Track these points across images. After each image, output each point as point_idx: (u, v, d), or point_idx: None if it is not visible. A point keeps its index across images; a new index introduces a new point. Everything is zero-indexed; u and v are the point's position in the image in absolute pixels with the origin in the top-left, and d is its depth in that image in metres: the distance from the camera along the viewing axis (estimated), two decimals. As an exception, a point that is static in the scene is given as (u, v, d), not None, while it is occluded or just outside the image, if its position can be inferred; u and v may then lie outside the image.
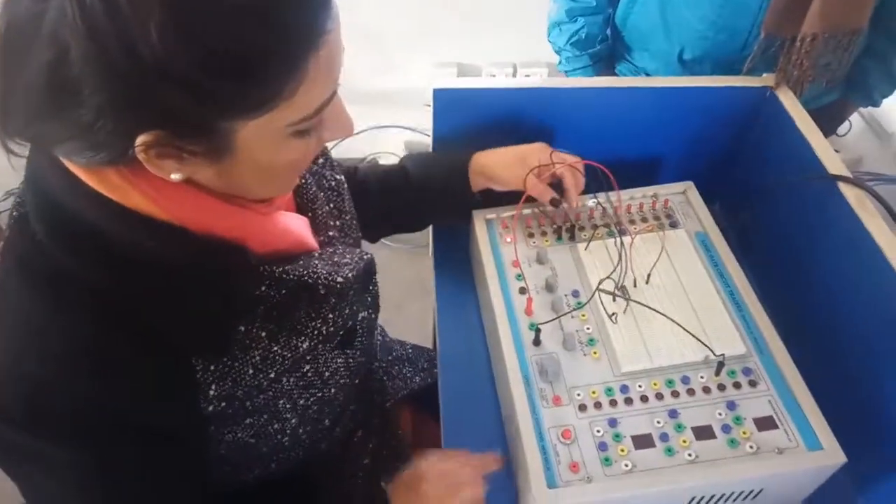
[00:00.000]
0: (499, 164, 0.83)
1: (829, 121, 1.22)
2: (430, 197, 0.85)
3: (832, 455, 0.63)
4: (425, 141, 1.95)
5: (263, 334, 0.55)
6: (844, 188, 0.74)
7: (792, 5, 0.92)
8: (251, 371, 0.54)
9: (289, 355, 0.57)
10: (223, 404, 0.54)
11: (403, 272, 1.58)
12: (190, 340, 0.51)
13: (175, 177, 0.46)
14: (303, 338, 0.57)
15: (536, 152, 0.82)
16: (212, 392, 0.53)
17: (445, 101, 0.89)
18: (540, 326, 0.73)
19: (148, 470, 0.52)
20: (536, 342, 0.73)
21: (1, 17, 0.41)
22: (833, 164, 0.77)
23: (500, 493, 0.71)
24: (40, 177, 0.50)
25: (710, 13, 1.02)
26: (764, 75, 0.91)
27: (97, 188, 0.48)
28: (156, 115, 0.42)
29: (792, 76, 0.94)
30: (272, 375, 0.56)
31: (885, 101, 1.18)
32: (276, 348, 0.56)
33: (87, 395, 0.48)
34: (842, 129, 1.30)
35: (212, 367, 0.52)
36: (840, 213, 0.73)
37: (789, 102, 0.87)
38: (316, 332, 0.58)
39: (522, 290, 0.79)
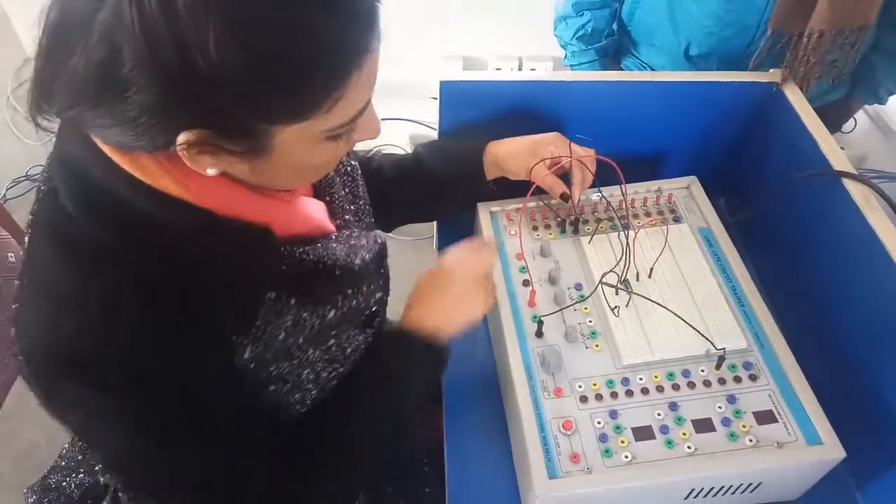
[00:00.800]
0: (511, 154, 0.83)
1: (834, 118, 1.22)
2: (444, 185, 0.85)
3: (831, 450, 0.64)
4: (430, 133, 1.95)
5: (293, 301, 0.56)
6: (849, 184, 0.74)
7: (799, 1, 0.92)
8: (282, 335, 0.56)
9: (317, 322, 0.59)
10: (253, 365, 0.56)
11: (408, 265, 1.58)
12: (222, 307, 0.53)
13: (210, 171, 0.48)
14: (328, 306, 0.59)
15: (550, 142, 0.82)
16: (246, 354, 0.55)
17: (451, 94, 0.90)
18: (543, 318, 0.73)
19: (191, 415, 0.53)
20: (539, 334, 0.74)
21: (53, 8, 0.43)
22: (838, 160, 0.77)
23: (501, 482, 0.72)
24: (71, 154, 0.51)
25: (717, 9, 1.02)
26: (770, 71, 0.91)
27: (129, 170, 0.49)
28: (201, 116, 0.43)
29: (798, 73, 0.94)
30: (300, 341, 0.58)
31: (892, 99, 1.18)
32: (304, 314, 0.57)
33: (125, 349, 0.50)
34: (847, 126, 1.30)
35: (245, 330, 0.54)
36: (844, 209, 0.73)
37: (795, 98, 0.87)
38: (340, 304, 0.60)
39: (526, 283, 0.79)
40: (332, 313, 0.59)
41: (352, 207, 0.70)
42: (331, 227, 0.64)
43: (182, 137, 0.44)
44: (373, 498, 0.79)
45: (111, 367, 0.50)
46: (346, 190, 0.71)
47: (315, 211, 0.62)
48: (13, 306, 0.55)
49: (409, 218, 0.93)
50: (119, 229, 0.50)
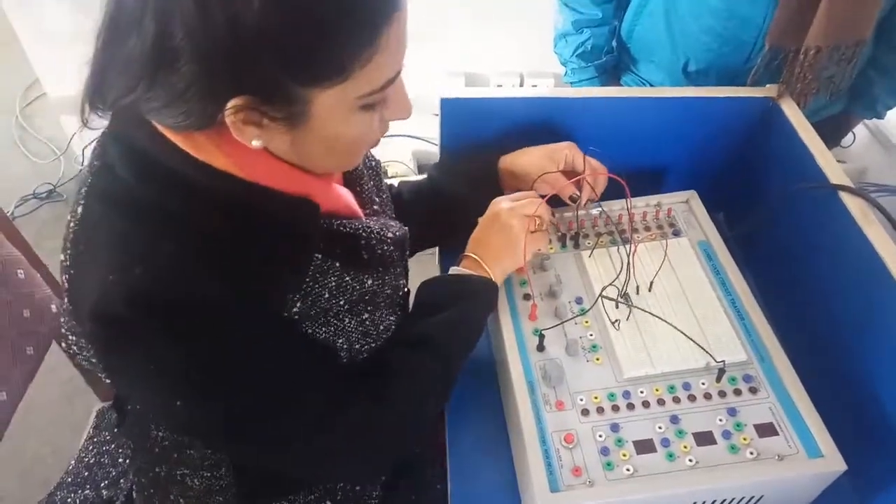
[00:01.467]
0: (527, 162, 0.86)
1: (833, 132, 1.23)
2: (461, 202, 0.86)
3: (832, 462, 0.64)
4: (433, 150, 1.97)
5: (338, 264, 0.60)
6: (846, 198, 0.75)
7: (795, 18, 0.94)
8: (326, 295, 0.60)
9: (357, 287, 0.62)
10: (297, 319, 0.58)
11: (411, 281, 1.59)
12: (276, 262, 0.57)
13: (255, 143, 0.52)
14: (366, 275, 0.63)
15: (563, 150, 0.85)
16: (295, 309, 0.58)
17: (452, 111, 0.91)
18: (544, 332, 0.74)
19: (251, 358, 0.56)
20: (540, 348, 0.74)
21: (110, 2, 0.47)
22: (835, 173, 0.78)
23: (504, 495, 0.72)
24: (126, 133, 0.55)
25: (715, 25, 1.03)
26: (767, 86, 0.92)
27: (184, 147, 0.53)
28: (247, 81, 0.47)
29: (795, 88, 0.95)
30: (341, 302, 0.61)
31: (891, 113, 1.19)
32: (347, 278, 0.61)
33: (194, 294, 0.53)
34: (845, 140, 1.31)
35: (296, 286, 0.58)
36: (842, 222, 0.74)
37: (792, 113, 0.88)
38: (376, 275, 0.64)
39: (527, 297, 0.80)
40: (369, 281, 0.63)
41: (377, 199, 0.74)
42: (360, 212, 0.68)
43: (230, 104, 0.48)
44: (387, 495, 0.81)
45: (181, 310, 0.52)
46: (373, 182, 0.75)
47: (346, 195, 0.66)
48: (64, 277, 0.58)
49: (429, 240, 0.94)
50: (178, 196, 0.54)
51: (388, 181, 0.90)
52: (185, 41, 0.44)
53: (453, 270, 0.75)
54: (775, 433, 0.67)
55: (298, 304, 0.58)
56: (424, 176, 0.93)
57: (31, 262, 0.99)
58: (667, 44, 1.11)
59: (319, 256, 0.59)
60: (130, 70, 0.47)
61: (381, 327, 0.67)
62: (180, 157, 0.53)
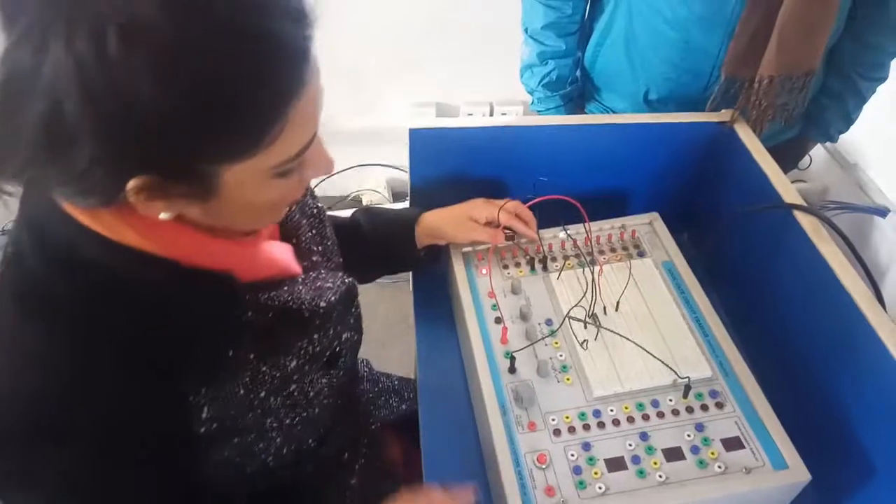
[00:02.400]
0: (448, 223, 0.88)
1: (791, 155, 1.28)
2: (376, 251, 0.88)
3: (797, 473, 0.66)
4: (406, 178, 1.99)
5: (252, 356, 0.57)
6: (799, 216, 0.78)
7: (748, 49, 0.98)
8: (242, 392, 0.56)
9: (277, 374, 0.59)
10: (215, 425, 0.55)
11: (385, 308, 1.60)
12: (183, 366, 0.53)
13: (164, 216, 0.49)
14: (290, 357, 0.60)
15: (479, 207, 0.87)
16: (204, 415, 0.54)
17: (421, 141, 0.93)
18: (515, 354, 0.75)
19: (137, 486, 0.53)
20: (512, 370, 0.75)
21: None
22: (788, 193, 0.81)
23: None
24: (34, 214, 0.52)
25: (673, 56, 1.07)
26: (722, 111, 0.96)
27: (91, 226, 0.50)
28: (146, 162, 0.44)
29: (751, 115, 0.99)
30: (262, 394, 0.58)
31: (845, 135, 1.24)
32: (264, 368, 0.58)
33: (83, 414, 0.49)
34: (802, 163, 1.35)
35: (203, 391, 0.54)
36: (796, 239, 0.77)
37: (746, 136, 0.91)
38: (302, 352, 0.61)
39: (498, 320, 0.81)
40: (293, 363, 0.60)
41: (319, 248, 0.72)
42: (297, 269, 0.65)
43: (131, 184, 0.44)
44: None
45: (72, 431, 0.49)
46: (314, 231, 0.72)
47: (280, 254, 0.63)
48: None
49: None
50: (85, 289, 0.51)
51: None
52: (77, 123, 0.41)
53: None
54: (742, 447, 0.68)
55: (207, 409, 0.54)
56: (349, 216, 0.92)
57: None
58: (628, 73, 1.14)
59: (231, 353, 0.55)
60: (24, 145, 0.42)
61: (311, 394, 0.63)
62: (89, 238, 0.50)
